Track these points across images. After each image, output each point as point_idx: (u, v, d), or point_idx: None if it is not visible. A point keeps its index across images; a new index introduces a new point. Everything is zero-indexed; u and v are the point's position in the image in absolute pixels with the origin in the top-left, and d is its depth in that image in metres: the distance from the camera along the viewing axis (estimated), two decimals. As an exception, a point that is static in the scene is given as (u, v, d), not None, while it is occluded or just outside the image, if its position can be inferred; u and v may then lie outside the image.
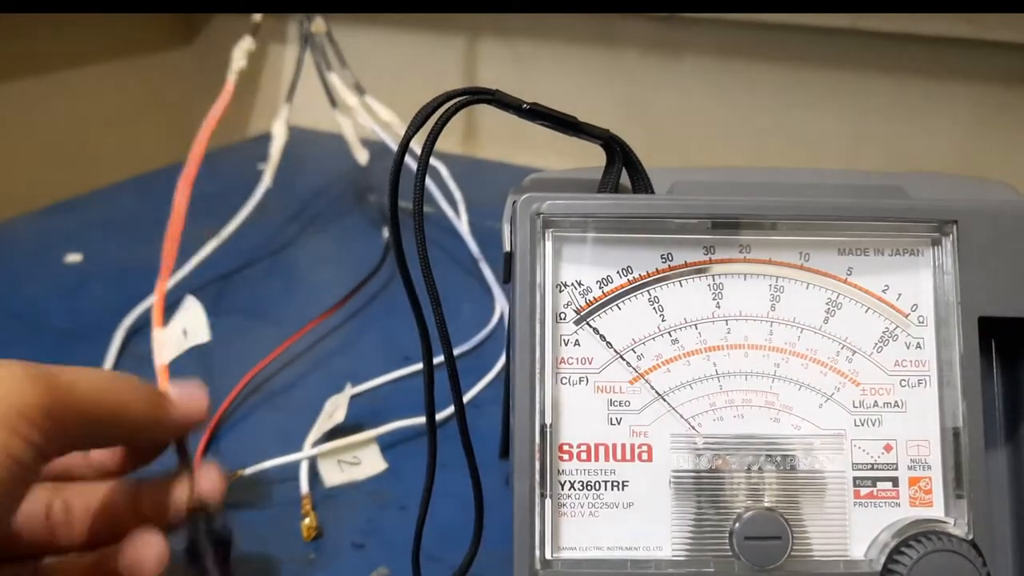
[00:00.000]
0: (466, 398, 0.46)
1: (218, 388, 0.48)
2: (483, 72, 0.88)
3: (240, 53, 0.60)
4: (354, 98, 0.69)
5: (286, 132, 0.65)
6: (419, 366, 0.51)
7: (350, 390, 0.45)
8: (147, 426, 0.31)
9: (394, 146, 0.68)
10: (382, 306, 0.59)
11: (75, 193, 0.76)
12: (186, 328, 0.37)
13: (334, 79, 0.69)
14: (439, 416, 0.43)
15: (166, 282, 0.45)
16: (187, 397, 0.32)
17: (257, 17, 0.63)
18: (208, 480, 0.32)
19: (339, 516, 0.40)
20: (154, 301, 0.45)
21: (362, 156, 0.69)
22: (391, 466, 0.43)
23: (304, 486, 0.41)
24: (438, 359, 0.30)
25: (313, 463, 0.42)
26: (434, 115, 0.28)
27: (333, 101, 0.69)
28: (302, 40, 0.68)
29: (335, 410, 0.43)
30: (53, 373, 0.26)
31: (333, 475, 0.41)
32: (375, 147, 0.69)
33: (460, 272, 0.61)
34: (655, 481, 0.28)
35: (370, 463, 0.42)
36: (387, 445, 0.45)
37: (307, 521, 0.39)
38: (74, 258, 0.64)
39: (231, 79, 0.58)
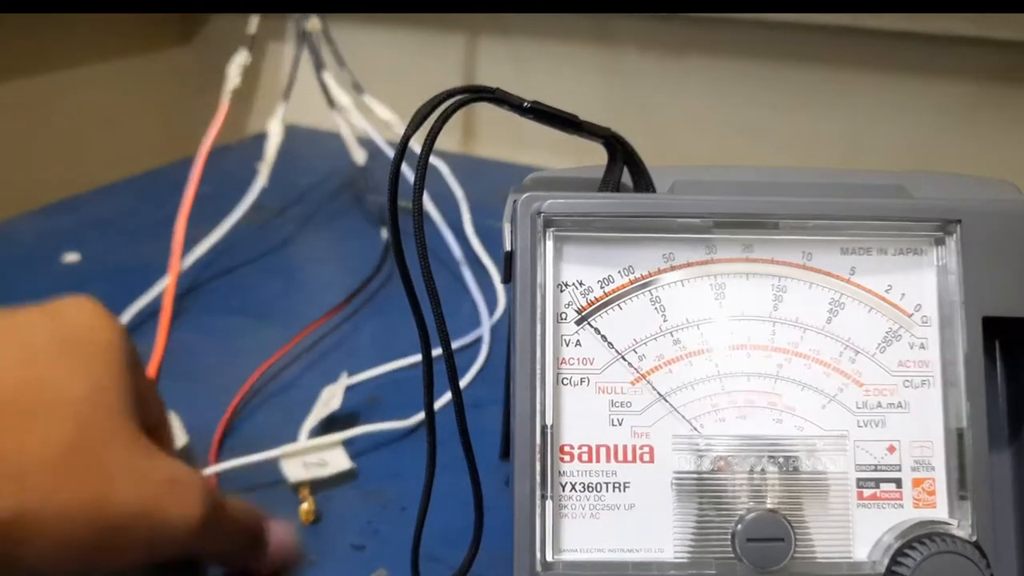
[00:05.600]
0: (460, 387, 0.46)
1: (217, 387, 0.48)
2: (483, 72, 0.88)
3: (235, 70, 0.60)
4: (347, 97, 0.69)
5: (282, 131, 0.65)
6: (416, 358, 0.51)
7: (345, 379, 0.45)
8: (256, 555, 0.30)
9: (388, 148, 0.68)
10: (382, 305, 0.59)
11: (73, 193, 0.76)
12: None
13: (330, 79, 0.69)
14: (437, 405, 0.43)
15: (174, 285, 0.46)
16: (283, 539, 0.31)
17: (252, 28, 0.63)
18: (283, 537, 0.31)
19: (339, 517, 0.40)
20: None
21: (360, 156, 0.69)
22: (392, 467, 0.43)
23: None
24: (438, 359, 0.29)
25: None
26: (434, 113, 0.28)
27: (330, 101, 0.69)
28: (299, 39, 0.68)
29: (331, 398, 0.44)
30: (215, 491, 0.27)
31: (299, 474, 0.41)
32: (374, 146, 0.69)
33: (459, 272, 0.61)
34: (657, 483, 0.28)
35: (337, 460, 0.42)
36: (388, 445, 0.45)
37: (305, 506, 0.39)
38: (72, 258, 0.64)
39: (225, 99, 0.59)
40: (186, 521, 0.25)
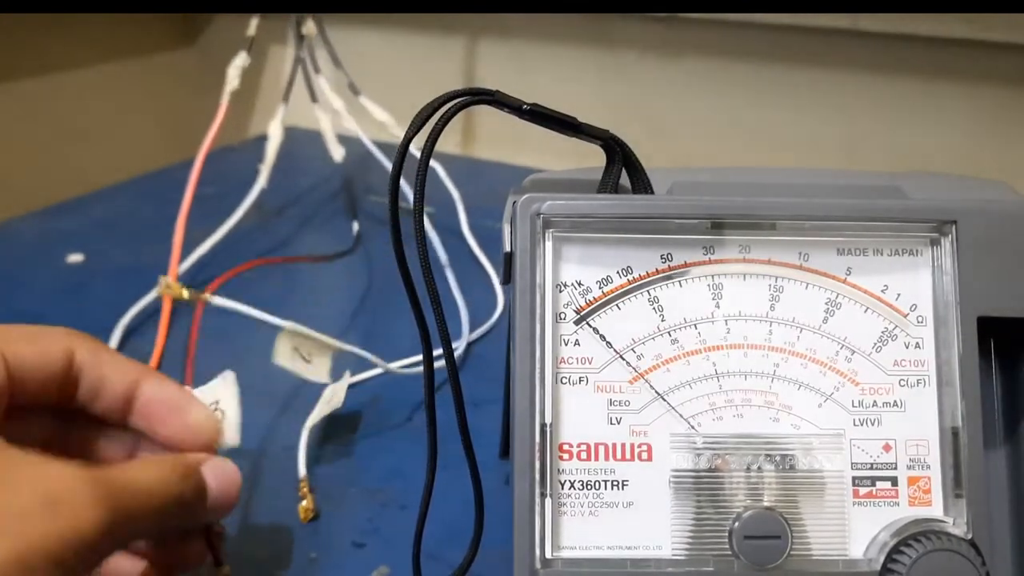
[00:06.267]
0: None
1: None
2: (482, 73, 0.88)
3: (235, 72, 0.61)
4: (339, 100, 0.69)
5: (283, 133, 0.65)
6: (418, 357, 0.51)
7: (348, 378, 0.46)
8: (190, 517, 0.30)
9: (384, 150, 0.68)
10: (383, 305, 0.59)
11: (76, 193, 0.76)
12: (219, 403, 0.34)
13: (322, 81, 0.69)
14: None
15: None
16: (224, 482, 0.30)
17: (252, 30, 0.63)
18: (221, 477, 0.31)
19: (340, 515, 0.40)
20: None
21: (337, 153, 0.69)
22: (392, 466, 0.43)
23: (302, 469, 0.41)
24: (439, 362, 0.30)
25: (309, 446, 0.42)
26: (434, 116, 0.28)
27: (314, 96, 0.69)
28: (297, 41, 0.69)
29: (333, 396, 0.44)
30: (113, 482, 0.25)
31: (284, 357, 0.42)
32: (371, 147, 0.69)
33: (460, 271, 0.61)
34: (655, 480, 0.28)
35: (317, 371, 0.43)
36: (388, 445, 0.45)
37: (304, 503, 0.39)
38: (75, 258, 0.64)
39: (225, 101, 0.59)
40: (77, 537, 0.23)
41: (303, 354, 0.42)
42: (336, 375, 0.45)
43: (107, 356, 0.31)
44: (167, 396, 0.31)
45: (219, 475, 0.30)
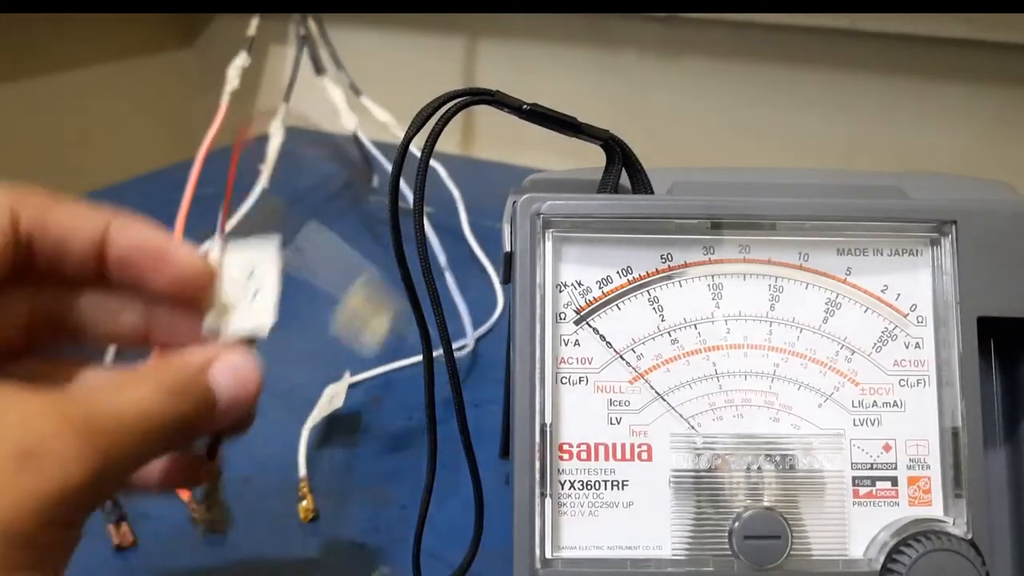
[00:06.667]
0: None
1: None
2: (482, 73, 0.88)
3: (234, 72, 0.61)
4: (343, 101, 0.69)
5: (283, 133, 0.65)
6: (418, 358, 0.51)
7: (348, 378, 0.46)
8: (193, 435, 0.26)
9: (385, 150, 0.68)
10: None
11: (76, 193, 0.76)
12: (254, 273, 0.27)
13: (325, 81, 0.69)
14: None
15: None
16: (239, 384, 0.26)
17: (252, 30, 0.63)
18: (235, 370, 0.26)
19: (339, 515, 0.40)
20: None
21: (351, 122, 0.68)
22: (392, 466, 0.43)
23: (302, 469, 0.41)
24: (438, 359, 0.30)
25: (309, 446, 0.42)
26: (434, 116, 0.28)
27: (318, 69, 0.69)
28: (298, 41, 0.69)
29: (334, 396, 0.44)
30: (98, 419, 0.22)
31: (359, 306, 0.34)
32: (371, 147, 0.69)
33: (460, 271, 0.61)
34: (655, 481, 0.28)
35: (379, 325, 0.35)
36: (388, 445, 0.45)
37: (304, 503, 0.40)
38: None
39: (224, 101, 0.59)
40: (61, 493, 0.20)
41: (374, 306, 0.34)
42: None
43: (61, 209, 0.26)
44: (142, 241, 0.27)
45: (231, 377, 0.26)
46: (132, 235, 0.26)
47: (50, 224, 0.26)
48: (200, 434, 0.27)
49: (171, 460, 0.28)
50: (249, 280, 0.27)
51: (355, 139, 0.70)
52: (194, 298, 0.27)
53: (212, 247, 0.27)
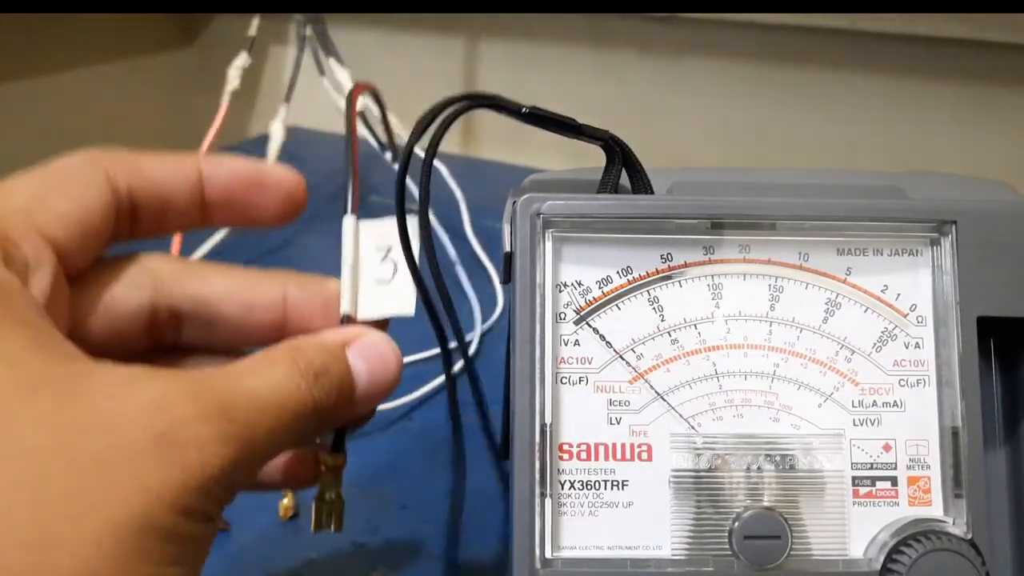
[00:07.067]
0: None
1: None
2: (482, 73, 0.88)
3: (235, 72, 0.61)
4: (340, 100, 0.69)
5: (284, 133, 0.65)
6: (418, 356, 0.51)
7: None
8: (331, 422, 0.24)
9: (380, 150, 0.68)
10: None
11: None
12: (390, 252, 0.25)
13: (324, 82, 0.69)
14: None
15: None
16: (379, 367, 0.24)
17: (252, 30, 0.63)
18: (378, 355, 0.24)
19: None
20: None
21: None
22: (392, 465, 0.43)
23: None
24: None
25: None
26: (435, 121, 0.28)
27: (320, 69, 0.69)
28: (299, 41, 0.69)
29: None
30: (235, 402, 0.20)
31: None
32: (370, 148, 0.69)
33: (460, 271, 0.61)
34: (655, 481, 0.28)
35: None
36: (388, 444, 0.45)
37: (285, 501, 0.40)
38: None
39: (225, 101, 0.59)
40: (200, 483, 0.19)
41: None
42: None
43: (152, 161, 0.25)
44: (237, 172, 0.26)
45: (372, 359, 0.24)
46: (226, 168, 0.26)
47: (146, 177, 0.25)
48: (337, 422, 0.25)
49: (296, 452, 0.26)
50: (384, 260, 0.25)
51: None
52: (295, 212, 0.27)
53: (345, 227, 0.26)
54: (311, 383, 0.22)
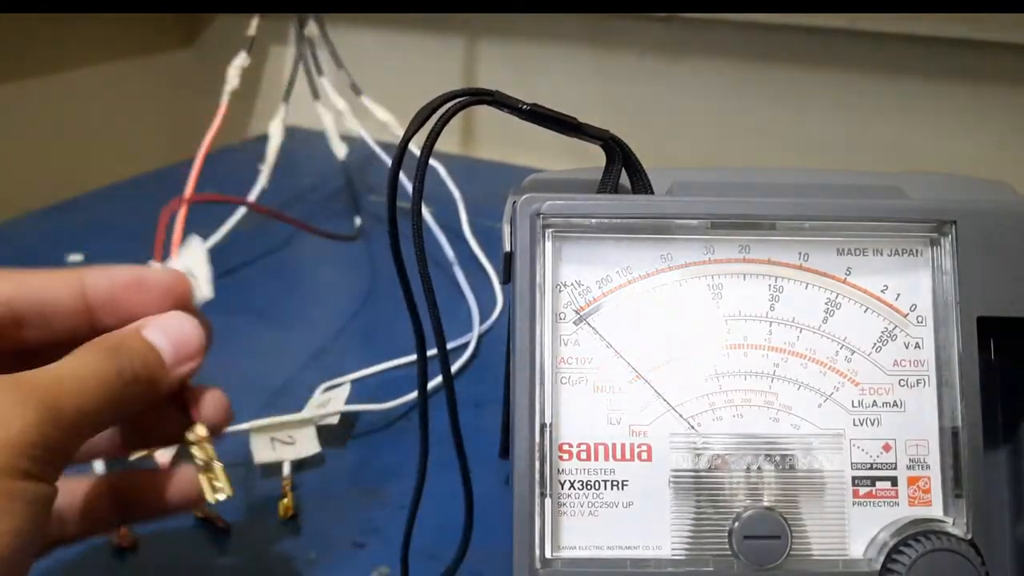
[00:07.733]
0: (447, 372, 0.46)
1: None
2: (482, 73, 0.88)
3: (234, 72, 0.61)
4: (342, 101, 0.69)
5: (283, 133, 0.65)
6: (403, 360, 0.51)
7: (347, 389, 0.46)
8: (147, 398, 0.28)
9: (385, 150, 0.68)
10: (383, 303, 0.59)
11: (76, 193, 0.77)
12: (190, 269, 0.33)
13: (324, 82, 0.69)
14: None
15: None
16: (178, 336, 0.29)
17: (252, 30, 0.63)
18: (212, 407, 0.30)
19: (339, 515, 0.40)
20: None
21: (340, 151, 0.69)
22: (392, 466, 0.43)
23: (286, 468, 0.41)
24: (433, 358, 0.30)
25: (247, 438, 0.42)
26: (434, 116, 0.28)
27: (316, 93, 0.70)
28: (299, 41, 0.69)
29: (328, 402, 0.44)
30: (36, 382, 0.24)
31: (264, 452, 0.41)
32: (371, 148, 0.70)
33: (458, 272, 0.61)
34: (655, 480, 0.28)
35: (304, 445, 0.42)
36: (388, 444, 0.45)
37: (285, 501, 0.40)
38: (76, 258, 0.64)
39: (224, 101, 0.59)
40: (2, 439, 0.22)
41: (283, 439, 0.42)
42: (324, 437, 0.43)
43: (33, 276, 0.29)
44: (118, 276, 0.30)
45: (169, 331, 0.29)
46: (106, 275, 0.30)
47: (28, 288, 0.29)
48: (160, 389, 0.28)
49: (147, 419, 0.30)
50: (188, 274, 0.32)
51: (354, 139, 0.69)
52: (174, 305, 0.30)
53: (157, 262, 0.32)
54: (111, 356, 0.26)
